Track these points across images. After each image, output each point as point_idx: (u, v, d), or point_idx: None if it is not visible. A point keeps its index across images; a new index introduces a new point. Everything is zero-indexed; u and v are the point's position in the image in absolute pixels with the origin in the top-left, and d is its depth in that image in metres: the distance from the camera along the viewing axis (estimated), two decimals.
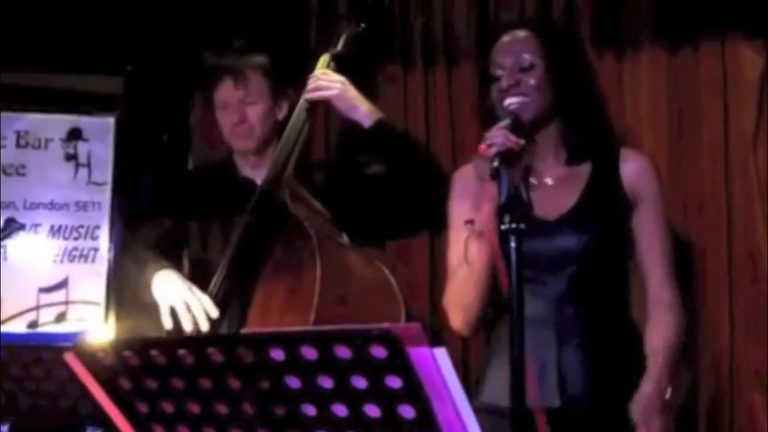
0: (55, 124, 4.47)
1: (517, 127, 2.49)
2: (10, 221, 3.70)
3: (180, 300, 3.00)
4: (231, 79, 3.27)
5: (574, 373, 2.64)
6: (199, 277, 3.15)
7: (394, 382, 1.53)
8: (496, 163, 2.34)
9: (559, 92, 2.72)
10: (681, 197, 3.62)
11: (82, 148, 4.48)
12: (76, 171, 4.47)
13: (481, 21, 3.93)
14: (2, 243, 4.03)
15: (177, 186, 3.53)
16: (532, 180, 2.70)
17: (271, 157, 3.23)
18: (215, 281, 3.05)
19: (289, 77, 3.41)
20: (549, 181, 2.74)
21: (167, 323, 3.01)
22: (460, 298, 2.71)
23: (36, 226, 4.40)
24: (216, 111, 3.34)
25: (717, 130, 3.59)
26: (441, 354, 1.53)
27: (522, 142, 2.44)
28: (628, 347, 2.69)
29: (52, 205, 4.44)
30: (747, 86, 3.57)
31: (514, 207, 2.18)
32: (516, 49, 2.73)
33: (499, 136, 2.42)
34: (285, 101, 3.35)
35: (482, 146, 2.43)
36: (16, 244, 4.23)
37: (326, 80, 3.16)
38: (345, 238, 3.06)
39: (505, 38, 2.77)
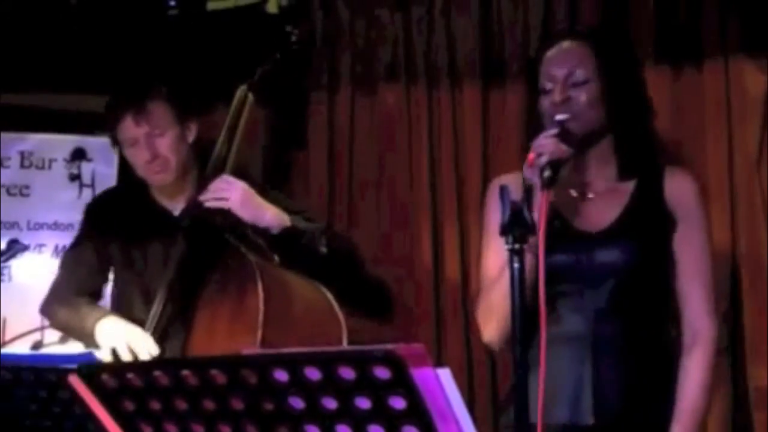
0: (58, 144, 4.49)
1: (565, 135, 2.46)
2: (13, 242, 3.70)
3: (122, 341, 3.03)
4: (131, 115, 3.13)
5: (608, 390, 2.59)
6: (124, 305, 3.21)
7: (398, 403, 1.53)
8: (548, 173, 2.35)
9: (611, 108, 2.62)
10: None
11: (86, 168, 4.49)
12: (80, 191, 4.48)
13: (485, 40, 3.95)
14: (6, 264, 4.04)
15: (99, 211, 3.42)
16: (573, 193, 2.68)
17: (190, 184, 3.19)
18: (155, 310, 3.05)
19: (193, 98, 3.37)
20: (593, 195, 2.68)
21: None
22: (499, 310, 2.54)
23: (40, 246, 4.41)
24: (124, 150, 3.21)
25: (721, 150, 3.59)
26: (445, 375, 1.53)
27: (571, 150, 2.44)
28: (666, 368, 2.63)
29: (56, 226, 4.45)
30: (751, 105, 3.58)
31: (516, 227, 2.17)
32: (569, 63, 2.61)
33: (549, 145, 2.40)
34: (193, 123, 3.25)
35: (531, 155, 2.39)
36: (20, 264, 4.23)
37: (225, 188, 3.04)
38: (276, 259, 3.08)
39: (558, 48, 2.66)
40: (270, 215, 3.04)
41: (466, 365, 3.83)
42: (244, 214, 3.01)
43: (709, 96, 3.62)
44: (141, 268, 3.23)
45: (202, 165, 3.22)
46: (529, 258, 2.42)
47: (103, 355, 3.04)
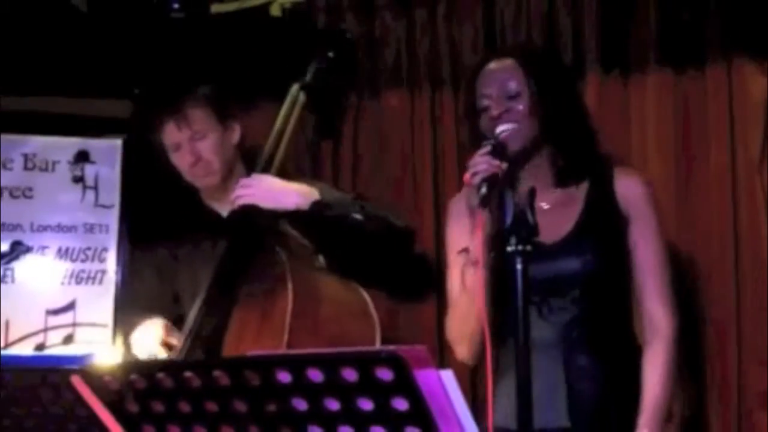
0: (62, 146, 4.48)
1: (498, 150, 2.53)
2: (16, 244, 3.70)
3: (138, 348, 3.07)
4: (172, 121, 3.16)
5: (582, 393, 2.65)
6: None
7: (401, 405, 1.53)
8: (484, 190, 2.41)
9: (545, 118, 2.72)
10: (688, 219, 3.62)
11: (89, 170, 4.48)
12: (84, 193, 4.47)
13: (488, 44, 3.95)
14: (10, 265, 4.04)
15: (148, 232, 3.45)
16: (544, 206, 2.70)
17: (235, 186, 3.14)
18: (193, 312, 3.03)
19: (234, 99, 3.36)
20: (545, 205, 2.72)
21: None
22: (464, 328, 2.69)
23: (43, 248, 4.40)
24: (170, 155, 3.23)
25: (724, 152, 3.59)
26: (447, 376, 1.53)
27: (504, 165, 2.49)
28: (634, 363, 2.70)
29: (59, 228, 4.44)
30: (753, 108, 3.57)
31: (519, 229, 2.18)
32: (501, 78, 2.73)
33: (482, 163, 2.46)
34: (236, 123, 3.27)
35: (467, 175, 2.47)
36: (23, 266, 4.23)
37: (246, 184, 3.02)
38: (321, 261, 3.07)
39: (489, 67, 2.77)
40: (296, 196, 3.00)
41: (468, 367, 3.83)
42: (269, 203, 2.99)
43: (711, 99, 3.62)
44: (192, 272, 3.23)
45: (249, 165, 3.22)
46: (481, 273, 2.54)
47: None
